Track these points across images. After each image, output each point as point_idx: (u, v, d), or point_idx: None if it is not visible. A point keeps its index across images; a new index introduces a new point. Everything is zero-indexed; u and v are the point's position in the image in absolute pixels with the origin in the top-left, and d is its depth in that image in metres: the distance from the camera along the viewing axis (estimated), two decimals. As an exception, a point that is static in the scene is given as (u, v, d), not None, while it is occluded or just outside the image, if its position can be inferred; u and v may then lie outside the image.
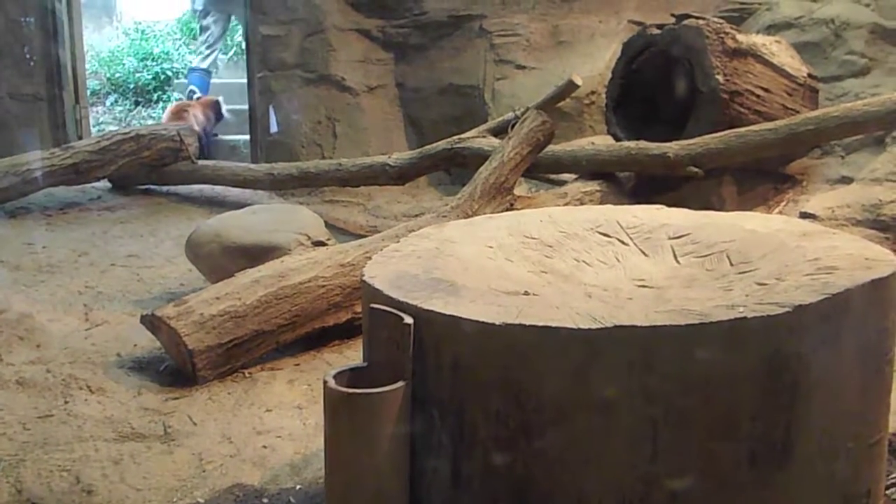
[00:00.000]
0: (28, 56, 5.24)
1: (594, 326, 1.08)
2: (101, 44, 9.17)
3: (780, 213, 3.52)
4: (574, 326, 1.08)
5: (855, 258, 1.29)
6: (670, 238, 1.62)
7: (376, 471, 1.16)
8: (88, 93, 6.43)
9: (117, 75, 8.72)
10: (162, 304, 2.59)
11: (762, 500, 1.13)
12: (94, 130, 6.27)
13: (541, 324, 1.10)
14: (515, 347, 1.11)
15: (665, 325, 1.08)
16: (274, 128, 4.96)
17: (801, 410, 1.12)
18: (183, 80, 8.53)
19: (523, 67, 4.65)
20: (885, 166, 3.48)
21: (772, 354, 1.09)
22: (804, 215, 3.34)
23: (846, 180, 3.61)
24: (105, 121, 8.27)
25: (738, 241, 1.51)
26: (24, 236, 3.90)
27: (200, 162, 4.61)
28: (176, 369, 2.33)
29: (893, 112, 2.99)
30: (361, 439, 1.15)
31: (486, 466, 1.16)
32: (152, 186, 4.71)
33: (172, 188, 4.70)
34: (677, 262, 1.55)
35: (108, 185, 4.72)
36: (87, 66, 6.43)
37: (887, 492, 1.71)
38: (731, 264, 1.45)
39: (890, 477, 1.74)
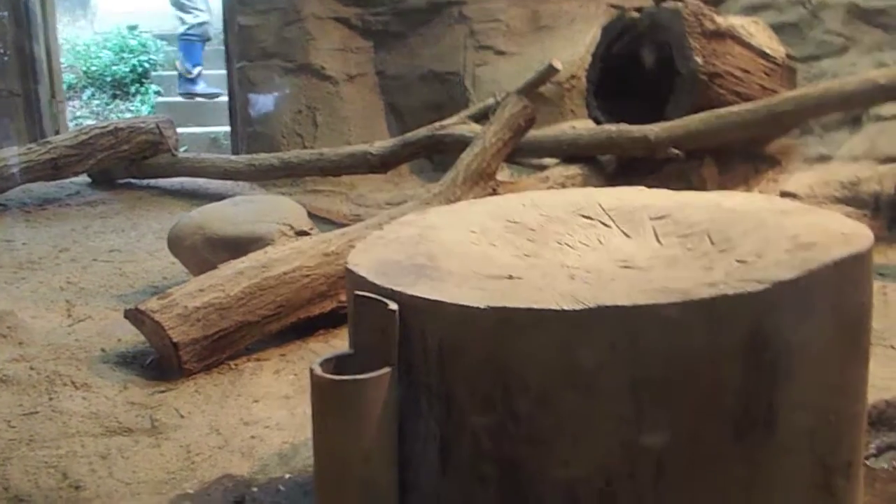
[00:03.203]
0: (2, 51, 5.17)
1: (577, 307, 1.09)
2: (76, 37, 9.07)
3: (761, 192, 3.55)
4: (557, 308, 1.09)
5: (832, 233, 1.31)
6: (651, 219, 1.63)
7: (364, 456, 1.17)
8: (65, 87, 6.36)
9: (94, 69, 8.63)
10: (145, 297, 2.58)
11: (746, 473, 1.15)
12: (70, 125, 6.21)
13: (524, 306, 1.10)
14: (500, 330, 1.12)
15: (647, 304, 1.09)
16: (257, 110, 4.91)
17: (782, 384, 1.14)
18: (161, 73, 8.45)
19: (503, 53, 4.65)
20: (862, 144, 3.53)
21: (752, 330, 1.11)
22: (784, 194, 3.37)
23: (825, 159, 3.65)
24: (82, 115, 8.19)
25: (718, 220, 1.52)
26: (3, 233, 3.86)
27: (181, 154, 4.58)
28: (161, 363, 2.33)
29: (870, 91, 3.03)
30: (349, 426, 1.16)
31: (474, 450, 1.17)
32: (132, 180, 4.67)
33: (153, 181, 4.67)
34: (659, 242, 1.56)
35: (88, 179, 4.67)
36: (62, 59, 6.36)
37: (867, 461, 1.74)
38: (712, 243, 1.46)
39: (869, 447, 1.78)
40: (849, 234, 1.31)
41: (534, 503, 1.15)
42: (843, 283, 1.20)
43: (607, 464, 1.11)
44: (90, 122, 7.31)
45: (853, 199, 3.30)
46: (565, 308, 1.09)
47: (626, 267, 1.46)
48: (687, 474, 1.13)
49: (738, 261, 1.29)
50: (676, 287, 1.15)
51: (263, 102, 4.97)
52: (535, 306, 1.10)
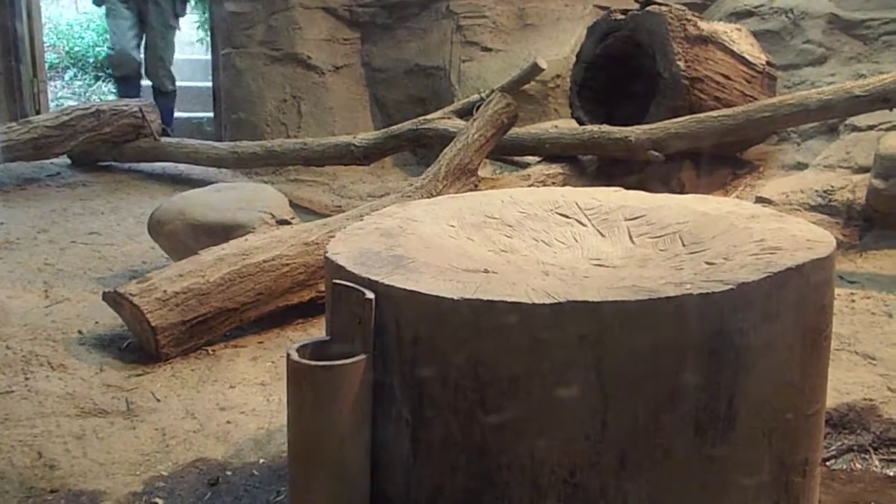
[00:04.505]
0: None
1: (548, 301, 1.12)
2: (59, 16, 8.96)
3: (738, 197, 3.61)
4: (529, 301, 1.13)
5: (798, 239, 1.35)
6: (626, 219, 1.67)
7: (338, 441, 1.20)
8: (46, 66, 6.30)
9: (76, 49, 8.53)
10: (124, 281, 2.58)
11: (706, 467, 1.19)
12: (52, 105, 6.15)
13: (497, 299, 1.14)
14: (473, 322, 1.15)
15: (615, 301, 1.12)
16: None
17: (743, 382, 1.18)
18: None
19: (489, 49, 4.68)
20: (837, 153, 3.60)
21: (716, 329, 1.15)
22: (760, 200, 3.44)
23: (801, 166, 3.72)
24: (64, 95, 8.11)
25: (690, 223, 1.57)
26: (-19, 212, 3.84)
27: (163, 139, 4.56)
28: (139, 346, 2.34)
29: (846, 101, 3.08)
30: (323, 411, 1.19)
31: (445, 437, 1.20)
32: (113, 163, 4.65)
33: (134, 165, 4.65)
34: (632, 242, 1.60)
35: (68, 161, 4.64)
36: (45, 38, 6.29)
37: (827, 462, 1.80)
38: (684, 245, 1.51)
39: (830, 449, 1.83)
40: (813, 240, 1.35)
41: (500, 491, 1.19)
42: (805, 286, 1.25)
43: (571, 454, 1.15)
44: (72, 102, 7.23)
45: (827, 207, 3.36)
46: (536, 302, 1.12)
47: (599, 265, 1.50)
48: (648, 467, 1.17)
49: (706, 262, 1.33)
50: (645, 285, 1.19)
51: (247, 90, 4.95)
52: (508, 299, 1.14)
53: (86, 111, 4.41)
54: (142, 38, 5.46)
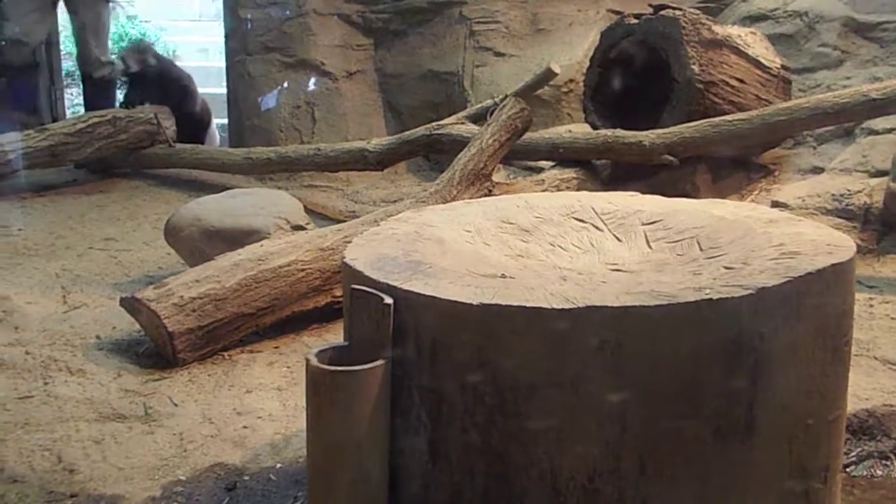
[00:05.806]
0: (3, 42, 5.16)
1: (567, 307, 1.12)
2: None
3: (753, 201, 3.59)
4: (548, 307, 1.13)
5: (817, 244, 1.34)
6: (643, 224, 1.67)
7: (356, 447, 1.20)
8: (63, 74, 6.36)
9: (93, 57, 8.59)
10: (141, 286, 2.60)
11: (726, 473, 1.19)
12: (69, 112, 6.21)
13: (516, 304, 1.14)
14: (491, 327, 1.15)
15: (635, 306, 1.12)
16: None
17: (763, 388, 1.18)
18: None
19: (502, 55, 4.68)
20: (853, 157, 3.57)
21: (736, 334, 1.15)
22: (776, 204, 3.41)
23: (817, 170, 3.70)
24: (80, 102, 8.17)
25: (707, 227, 1.56)
26: (0, 219, 3.87)
27: (178, 145, 4.59)
28: (156, 351, 2.35)
29: (863, 104, 3.07)
30: (342, 416, 1.19)
31: (464, 442, 1.20)
32: (129, 170, 4.68)
33: (150, 171, 4.68)
34: (649, 247, 1.59)
35: (85, 167, 4.68)
36: (61, 46, 6.36)
37: (847, 469, 1.78)
38: (701, 249, 1.50)
39: (850, 455, 1.82)
40: (832, 244, 1.35)
41: (519, 496, 1.19)
42: (825, 291, 1.24)
43: (590, 460, 1.14)
44: (88, 110, 7.28)
45: (843, 211, 3.34)
46: (555, 307, 1.12)
47: (616, 270, 1.49)
48: (668, 473, 1.16)
49: (725, 267, 1.33)
50: (664, 290, 1.19)
51: (261, 96, 4.98)
52: (526, 304, 1.14)
53: (102, 118, 4.45)
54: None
